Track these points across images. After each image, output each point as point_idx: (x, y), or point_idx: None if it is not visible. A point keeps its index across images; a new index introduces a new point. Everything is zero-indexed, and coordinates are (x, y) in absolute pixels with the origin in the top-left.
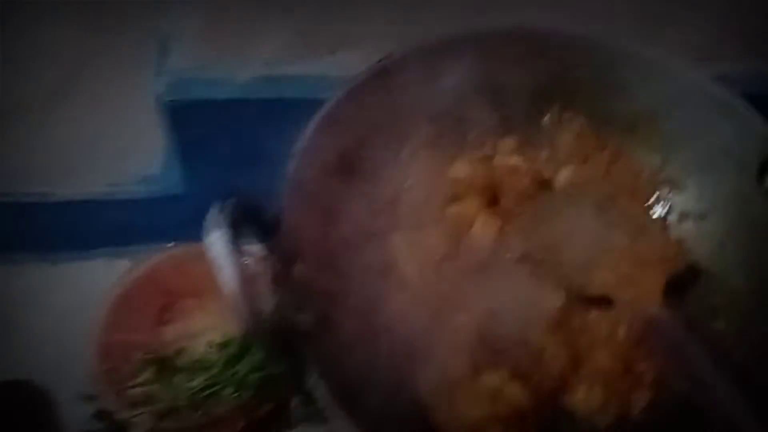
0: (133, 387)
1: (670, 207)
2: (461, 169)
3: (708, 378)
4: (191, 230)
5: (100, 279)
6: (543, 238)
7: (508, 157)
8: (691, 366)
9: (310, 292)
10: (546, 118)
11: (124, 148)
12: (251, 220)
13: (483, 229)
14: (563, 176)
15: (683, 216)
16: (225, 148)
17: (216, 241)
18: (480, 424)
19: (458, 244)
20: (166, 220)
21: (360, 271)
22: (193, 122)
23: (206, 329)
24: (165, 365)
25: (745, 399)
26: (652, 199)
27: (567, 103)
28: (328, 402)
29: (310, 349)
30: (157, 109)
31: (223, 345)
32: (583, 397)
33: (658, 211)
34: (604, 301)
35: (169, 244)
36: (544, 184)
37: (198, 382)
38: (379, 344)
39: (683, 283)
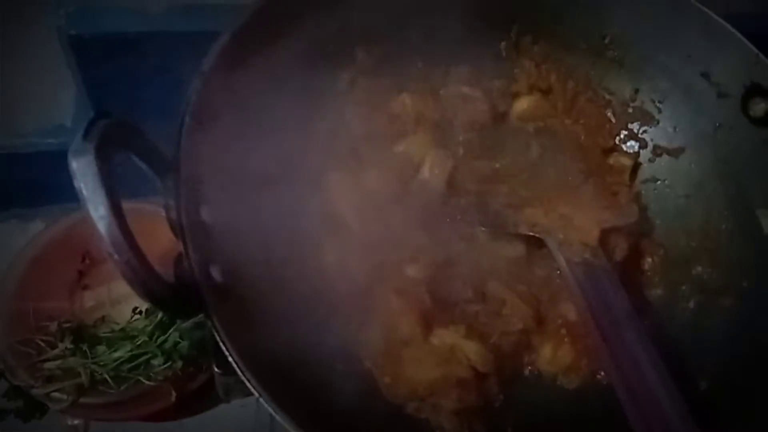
0: (49, 360)
1: (641, 143)
2: (407, 101)
3: (634, 349)
4: None
5: (9, 242)
6: (481, 170)
7: (459, 86)
8: (612, 324)
9: (221, 240)
10: (502, 45)
11: (27, 95)
12: (136, 146)
13: (433, 169)
14: (519, 108)
15: (657, 152)
16: (143, 89)
17: (81, 169)
18: (433, 388)
19: (405, 187)
20: None
21: (287, 214)
22: (103, 61)
23: (130, 294)
24: (84, 335)
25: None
26: (620, 135)
27: (527, 25)
28: (246, 373)
29: (222, 312)
30: (61, 46)
31: (150, 311)
32: (549, 357)
33: (627, 148)
34: (535, 242)
35: None
36: (499, 118)
37: (122, 352)
38: (312, 301)
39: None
